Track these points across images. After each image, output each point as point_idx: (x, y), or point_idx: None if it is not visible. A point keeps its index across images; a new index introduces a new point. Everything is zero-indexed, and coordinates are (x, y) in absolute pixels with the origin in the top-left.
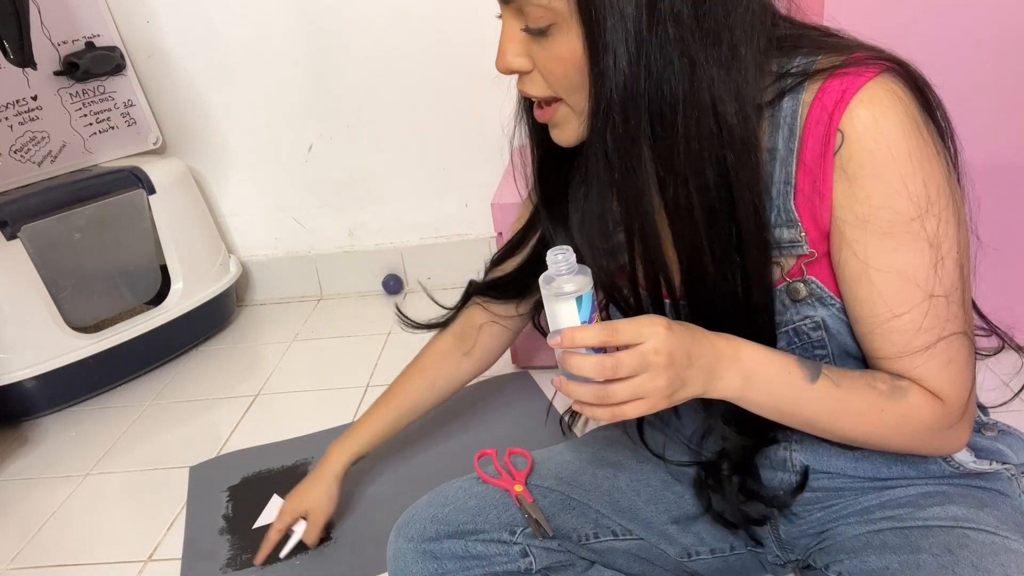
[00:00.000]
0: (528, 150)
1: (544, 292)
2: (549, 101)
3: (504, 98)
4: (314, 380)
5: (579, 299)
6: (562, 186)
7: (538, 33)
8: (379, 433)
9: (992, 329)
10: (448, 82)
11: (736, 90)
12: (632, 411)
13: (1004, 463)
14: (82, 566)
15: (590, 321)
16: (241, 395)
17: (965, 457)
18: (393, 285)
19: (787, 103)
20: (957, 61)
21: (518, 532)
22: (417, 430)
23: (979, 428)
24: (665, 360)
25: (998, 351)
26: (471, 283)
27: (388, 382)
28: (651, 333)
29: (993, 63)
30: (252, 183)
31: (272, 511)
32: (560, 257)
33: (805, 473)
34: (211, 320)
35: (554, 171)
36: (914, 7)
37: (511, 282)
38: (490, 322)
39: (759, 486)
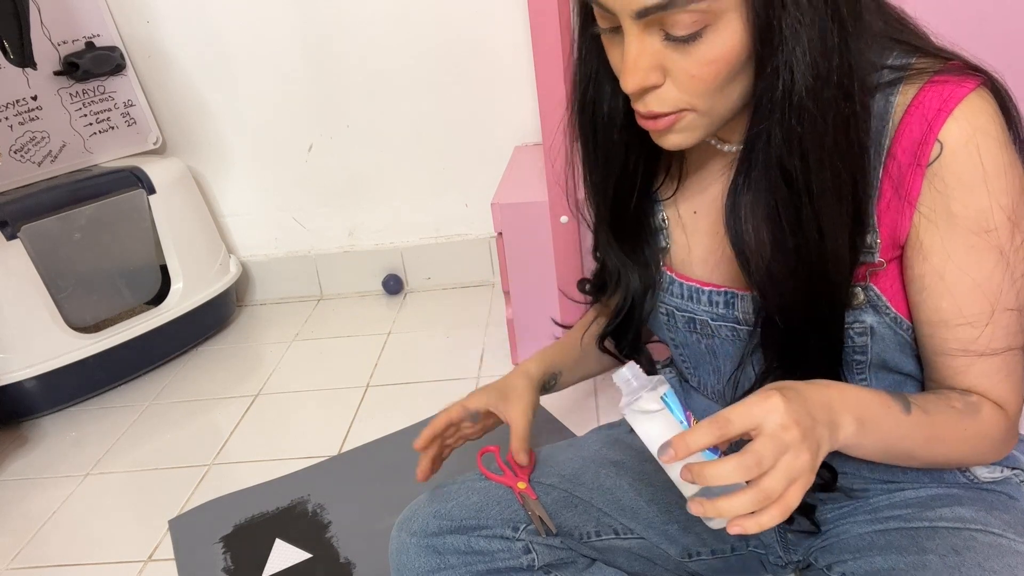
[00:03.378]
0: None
1: (629, 417)
2: (671, 113)
3: (504, 98)
4: (314, 380)
5: (668, 405)
6: (631, 203)
7: (685, 40)
8: (566, 355)
9: None
10: (448, 82)
11: (867, 71)
12: (795, 498)
13: (1014, 469)
14: (82, 566)
15: (687, 422)
16: (241, 395)
17: (980, 468)
18: (393, 285)
19: (879, 99)
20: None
21: (521, 528)
22: (419, 431)
23: None
24: (798, 432)
25: None
26: (580, 282)
27: (388, 382)
28: (768, 409)
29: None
30: (252, 183)
31: (280, 557)
32: (627, 372)
33: (832, 473)
34: (211, 320)
35: (625, 190)
36: (913, 6)
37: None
38: None
39: None
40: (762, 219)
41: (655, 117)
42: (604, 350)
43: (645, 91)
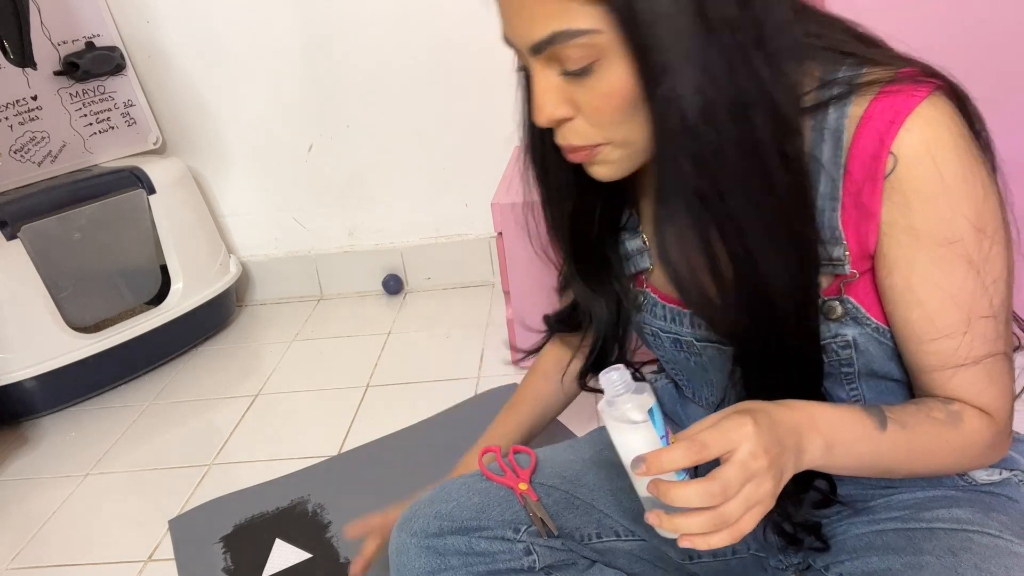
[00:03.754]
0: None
1: (607, 420)
2: (588, 147)
3: (504, 98)
4: (314, 380)
5: (652, 418)
6: (591, 235)
7: (579, 74)
8: (528, 414)
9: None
10: (448, 82)
11: (787, 88)
12: (749, 524)
13: (1013, 470)
14: (82, 566)
15: (666, 438)
16: (241, 395)
17: (977, 471)
18: (393, 285)
19: (832, 114)
20: (957, 61)
21: (522, 530)
22: (420, 432)
23: None
24: (766, 461)
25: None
26: (545, 317)
27: (388, 382)
28: (741, 436)
29: (994, 63)
30: (252, 183)
31: (280, 557)
32: (615, 376)
33: (831, 486)
34: (211, 320)
35: (582, 223)
36: (914, 7)
37: (570, 315)
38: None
39: (796, 511)
40: (692, 247)
41: (575, 150)
42: (588, 389)
43: (558, 124)
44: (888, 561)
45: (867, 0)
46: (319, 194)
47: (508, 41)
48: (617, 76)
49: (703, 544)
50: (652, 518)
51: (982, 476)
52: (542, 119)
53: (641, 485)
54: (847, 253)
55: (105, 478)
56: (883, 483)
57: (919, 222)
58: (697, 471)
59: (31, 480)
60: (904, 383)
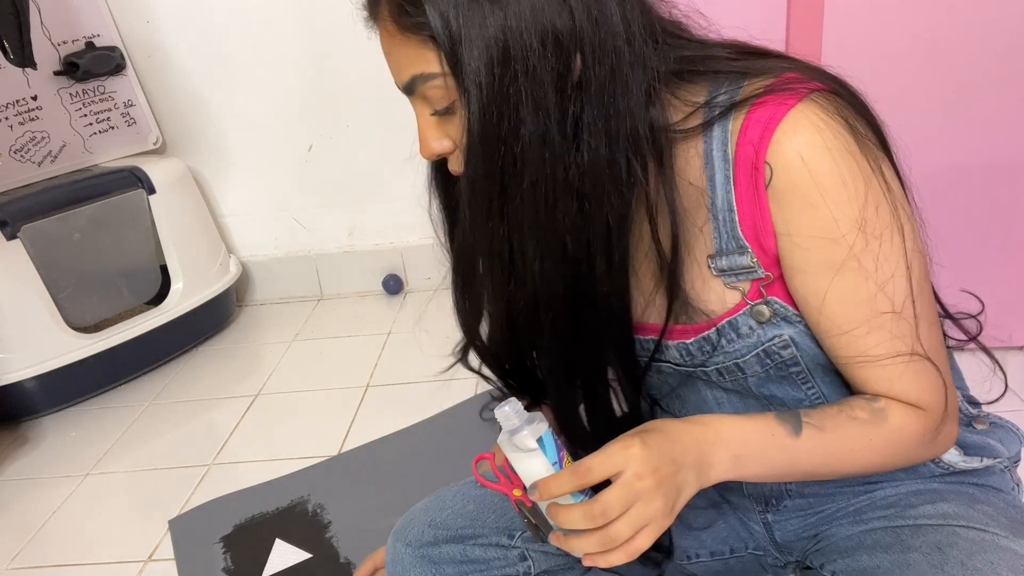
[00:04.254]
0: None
1: (507, 450)
2: None
3: None
4: (314, 380)
5: (542, 446)
6: None
7: (445, 113)
8: None
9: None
10: None
11: (608, 124)
12: (644, 542)
13: (996, 458)
14: (82, 566)
15: (560, 463)
16: (241, 395)
17: (954, 457)
18: (393, 285)
19: (717, 132)
20: (955, 61)
21: (516, 536)
22: (420, 432)
23: (969, 422)
24: (652, 481)
25: (972, 338)
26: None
27: (388, 382)
28: (627, 459)
29: (994, 62)
30: (252, 183)
31: (280, 557)
32: (508, 409)
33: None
34: (211, 320)
35: None
36: (914, 7)
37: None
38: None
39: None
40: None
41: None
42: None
43: (438, 157)
44: (876, 559)
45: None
46: (319, 194)
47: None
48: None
49: (603, 562)
50: (552, 539)
51: (959, 463)
52: (425, 154)
53: (542, 506)
54: (755, 260)
55: (105, 478)
56: (860, 479)
57: (802, 228)
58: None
59: (31, 480)
60: None
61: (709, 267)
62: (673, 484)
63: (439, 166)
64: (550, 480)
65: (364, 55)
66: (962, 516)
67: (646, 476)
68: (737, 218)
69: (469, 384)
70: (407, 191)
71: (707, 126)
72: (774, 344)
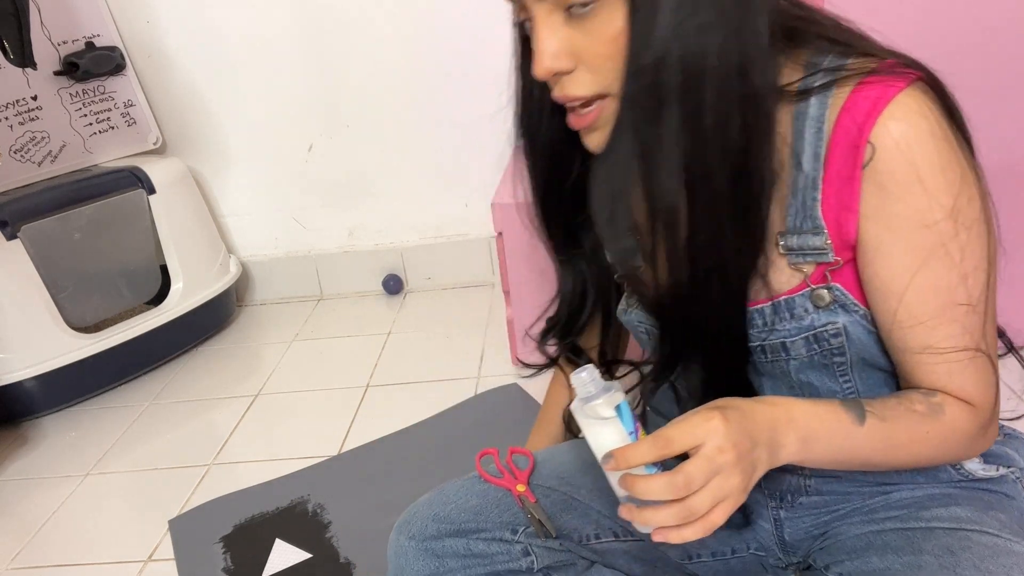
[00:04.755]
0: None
1: (580, 418)
2: (593, 100)
3: (504, 98)
4: (314, 380)
5: (620, 414)
6: (566, 214)
7: (583, 15)
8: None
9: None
10: (448, 82)
11: (761, 57)
12: (720, 517)
13: (1010, 467)
14: (82, 566)
15: (635, 433)
16: (241, 395)
17: (974, 464)
18: (393, 285)
19: (814, 103)
20: (957, 60)
21: (520, 531)
22: (420, 432)
23: None
24: (733, 456)
25: (1003, 355)
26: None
27: (388, 382)
28: (708, 431)
29: (993, 62)
30: (252, 183)
31: (280, 557)
32: (585, 376)
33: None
34: (211, 320)
35: (556, 199)
36: (915, 6)
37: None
38: None
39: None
40: (624, 189)
41: (574, 108)
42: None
43: (557, 76)
44: (887, 561)
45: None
46: (319, 194)
47: None
48: (619, 15)
49: (676, 537)
50: (624, 512)
51: (979, 471)
52: (542, 70)
53: (615, 480)
54: (829, 242)
55: (105, 478)
56: (879, 479)
57: (896, 211)
58: (667, 466)
59: (31, 480)
60: (895, 373)
61: (777, 244)
62: (750, 460)
63: (535, 100)
64: (628, 449)
65: (365, 55)
66: (975, 520)
67: (727, 450)
68: (820, 197)
69: (469, 384)
70: (407, 191)
71: (803, 95)
72: (826, 330)
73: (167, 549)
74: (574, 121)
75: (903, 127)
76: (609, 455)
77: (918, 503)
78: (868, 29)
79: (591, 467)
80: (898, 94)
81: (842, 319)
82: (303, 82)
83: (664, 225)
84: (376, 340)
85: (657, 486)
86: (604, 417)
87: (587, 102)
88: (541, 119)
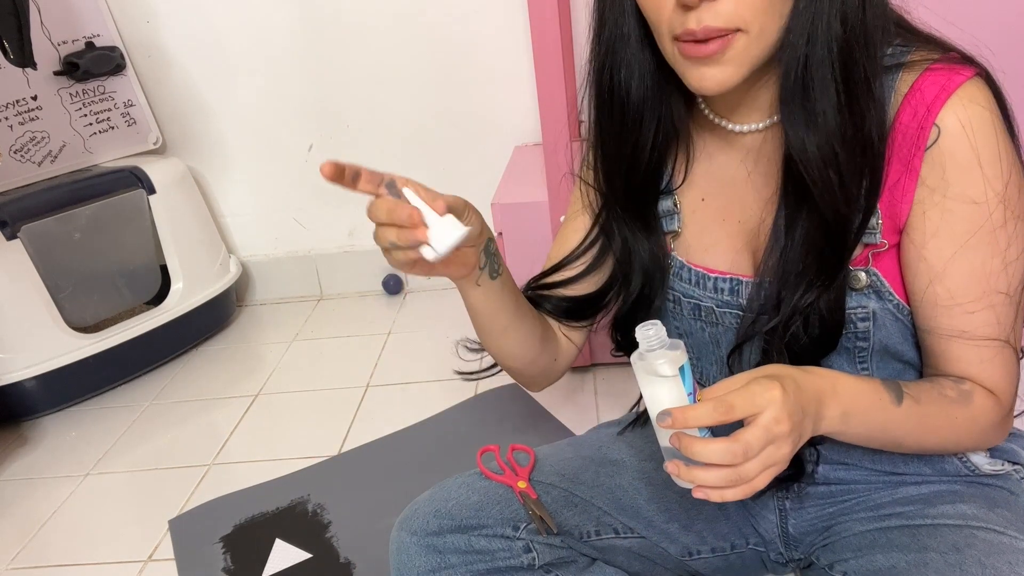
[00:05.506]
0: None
1: (639, 372)
2: (725, 33)
3: (504, 98)
4: (314, 380)
5: (683, 375)
6: (645, 186)
7: None
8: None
9: None
10: (448, 82)
11: (879, 31)
12: (763, 482)
13: (1015, 463)
14: (82, 566)
15: (693, 394)
16: (241, 395)
17: (980, 459)
18: (393, 285)
19: (879, 86)
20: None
21: (521, 528)
22: (420, 432)
23: None
24: (788, 426)
25: None
26: (539, 293)
27: (388, 382)
28: (767, 400)
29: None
30: (252, 183)
31: (280, 557)
32: (651, 332)
33: (799, 469)
34: (211, 320)
35: (638, 171)
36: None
37: (592, 307)
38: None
39: None
40: (829, 108)
41: (707, 39)
42: (618, 348)
43: (701, 2)
44: (893, 558)
45: None
46: (319, 194)
47: None
48: None
49: (717, 496)
50: (671, 467)
51: (985, 466)
52: None
53: (664, 436)
54: (880, 222)
55: (105, 478)
56: (886, 468)
57: (952, 193)
58: (715, 430)
59: (31, 480)
60: (913, 366)
61: None
62: (799, 431)
63: (612, 58)
64: (688, 411)
65: (365, 55)
66: (981, 518)
67: (784, 421)
68: (881, 174)
69: (469, 384)
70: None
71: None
72: (856, 313)
73: (167, 549)
74: (695, 49)
75: (969, 113)
76: (667, 413)
77: (924, 500)
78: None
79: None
80: (965, 82)
81: (873, 304)
82: (303, 82)
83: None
84: (376, 340)
85: (716, 451)
86: (665, 375)
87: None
88: (633, 68)
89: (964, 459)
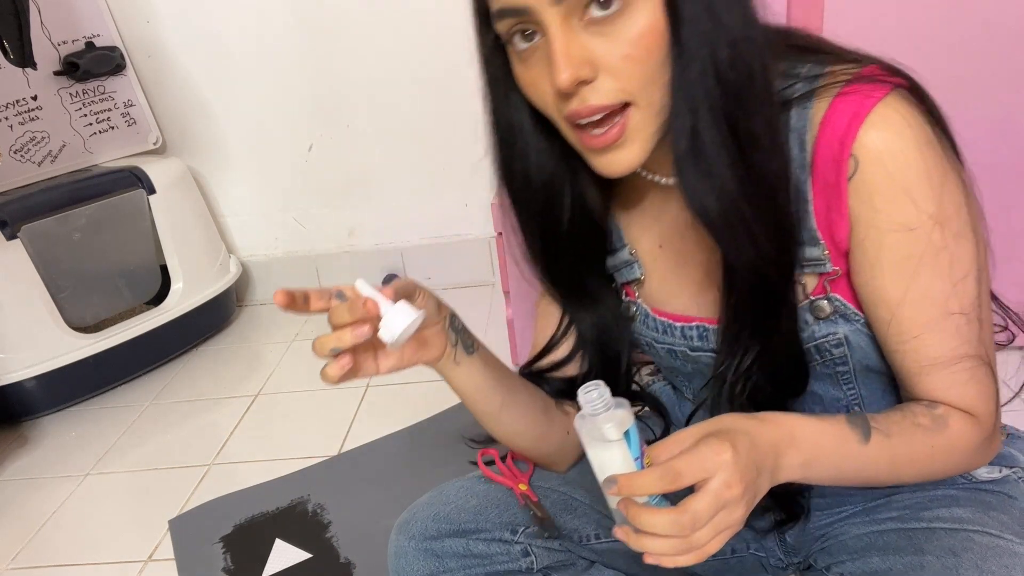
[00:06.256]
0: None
1: (583, 436)
2: (615, 112)
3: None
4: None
5: (628, 440)
6: (571, 258)
7: (603, 16)
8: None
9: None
10: (448, 82)
11: (771, 64)
12: (716, 547)
13: (1013, 467)
14: (82, 566)
15: (641, 460)
16: (241, 395)
17: (979, 469)
18: None
19: (795, 114)
20: (956, 60)
21: (520, 531)
22: (420, 432)
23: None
24: (740, 490)
25: (1007, 345)
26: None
27: (388, 382)
28: (717, 465)
29: (993, 62)
30: (252, 183)
31: (280, 557)
32: (595, 395)
33: (800, 509)
34: (211, 320)
35: (557, 245)
36: (914, 6)
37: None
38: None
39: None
40: (724, 169)
41: (598, 122)
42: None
43: (580, 86)
44: (889, 561)
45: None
46: (319, 194)
47: (507, 11)
48: (650, 13)
49: (669, 563)
50: (620, 534)
51: (982, 473)
52: (568, 78)
53: (614, 503)
54: (826, 252)
55: (105, 478)
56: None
57: (883, 221)
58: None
59: (31, 480)
60: None
61: None
62: (754, 490)
63: (520, 128)
64: (635, 478)
65: (364, 55)
66: (976, 521)
67: (735, 484)
68: (812, 208)
69: None
70: (407, 191)
71: (784, 107)
72: (828, 341)
73: (167, 549)
74: (595, 141)
75: (885, 137)
76: (612, 480)
77: (919, 504)
78: (868, 25)
79: (591, 469)
80: (877, 104)
81: (843, 329)
82: (303, 82)
83: (726, 230)
84: None
85: (663, 523)
86: (610, 439)
87: (607, 117)
88: (528, 161)
89: None
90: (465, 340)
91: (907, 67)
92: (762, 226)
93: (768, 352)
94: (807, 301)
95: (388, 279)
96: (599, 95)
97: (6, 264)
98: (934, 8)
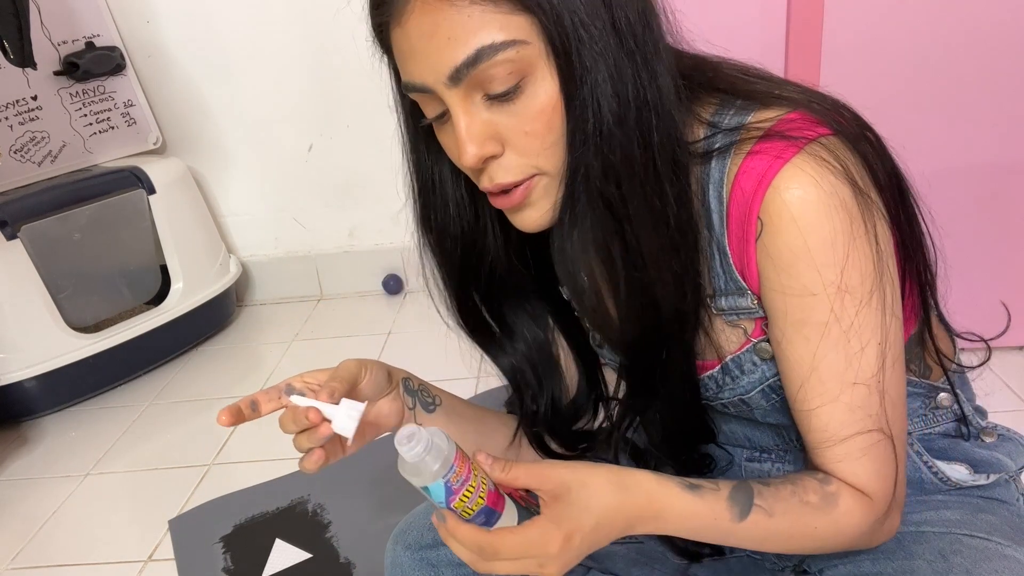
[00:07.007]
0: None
1: (406, 476)
2: (519, 183)
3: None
4: None
5: (429, 494)
6: (491, 302)
7: (506, 97)
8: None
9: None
10: None
11: (672, 123)
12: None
13: (999, 474)
14: (82, 566)
15: (445, 501)
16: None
17: (962, 475)
18: (393, 285)
19: (715, 167)
20: (953, 61)
21: None
22: None
23: (977, 434)
24: (555, 570)
25: (982, 363)
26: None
27: None
28: (541, 553)
29: (992, 62)
30: (252, 183)
31: (280, 557)
32: (409, 445)
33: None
34: (211, 320)
35: (475, 291)
36: (913, 7)
37: (573, 420)
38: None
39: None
40: (593, 256)
41: (505, 191)
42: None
43: (486, 162)
44: (879, 565)
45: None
46: (319, 194)
47: (411, 87)
48: (546, 90)
49: (469, 564)
50: (435, 519)
51: (967, 481)
52: (472, 157)
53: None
54: (755, 301)
55: (105, 478)
56: None
57: (784, 286)
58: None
59: (31, 480)
60: None
61: (709, 306)
62: (579, 557)
63: (438, 195)
64: (456, 529)
65: (364, 55)
66: (965, 524)
67: (550, 567)
68: (732, 260)
69: (469, 384)
70: (407, 191)
71: (706, 157)
72: (778, 379)
73: (167, 549)
74: (501, 201)
75: (790, 200)
76: (442, 517)
77: (909, 508)
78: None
79: None
80: (784, 166)
81: None
82: (303, 82)
83: (622, 278)
84: (376, 340)
85: (466, 537)
86: (426, 485)
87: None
88: (448, 212)
89: (943, 477)
90: (424, 399)
91: (845, 103)
92: (630, 293)
93: (667, 400)
94: (751, 344)
95: (388, 279)
96: (507, 172)
97: (6, 264)
98: (934, 8)
